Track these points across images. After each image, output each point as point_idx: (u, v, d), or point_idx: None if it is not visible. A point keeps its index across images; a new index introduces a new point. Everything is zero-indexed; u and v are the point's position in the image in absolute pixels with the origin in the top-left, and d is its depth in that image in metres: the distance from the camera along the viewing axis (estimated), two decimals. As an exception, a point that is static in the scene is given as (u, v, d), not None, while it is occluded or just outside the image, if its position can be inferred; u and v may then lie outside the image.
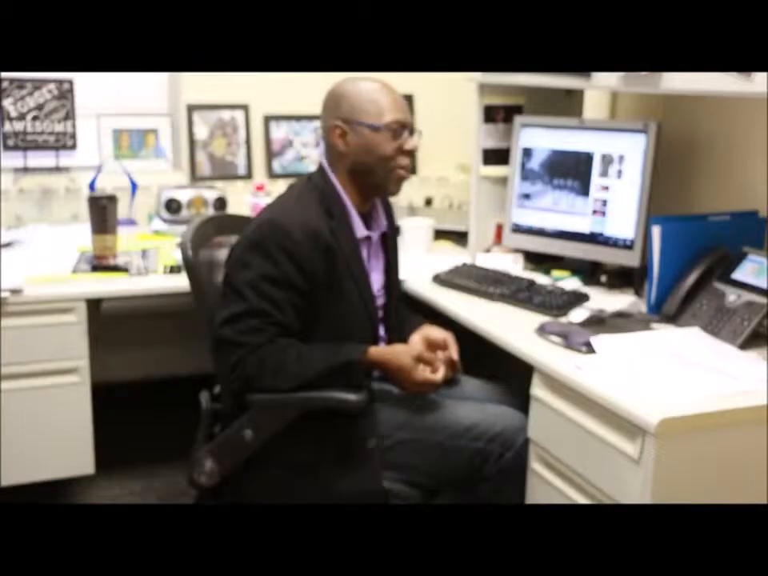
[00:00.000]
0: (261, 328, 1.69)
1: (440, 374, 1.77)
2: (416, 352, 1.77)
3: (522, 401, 1.82)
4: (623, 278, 2.27)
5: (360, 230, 1.84)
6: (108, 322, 2.73)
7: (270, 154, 3.27)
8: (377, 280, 1.92)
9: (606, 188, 2.29)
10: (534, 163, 2.44)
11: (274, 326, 1.70)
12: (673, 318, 1.93)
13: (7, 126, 2.91)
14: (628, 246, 2.24)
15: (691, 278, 1.95)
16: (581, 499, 1.64)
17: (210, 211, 2.93)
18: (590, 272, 2.34)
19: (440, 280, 2.26)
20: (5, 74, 2.88)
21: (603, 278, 2.28)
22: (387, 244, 1.96)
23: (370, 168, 1.82)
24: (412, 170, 3.41)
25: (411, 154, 1.86)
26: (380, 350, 1.77)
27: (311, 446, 1.75)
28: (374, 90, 1.82)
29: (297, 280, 1.71)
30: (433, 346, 1.85)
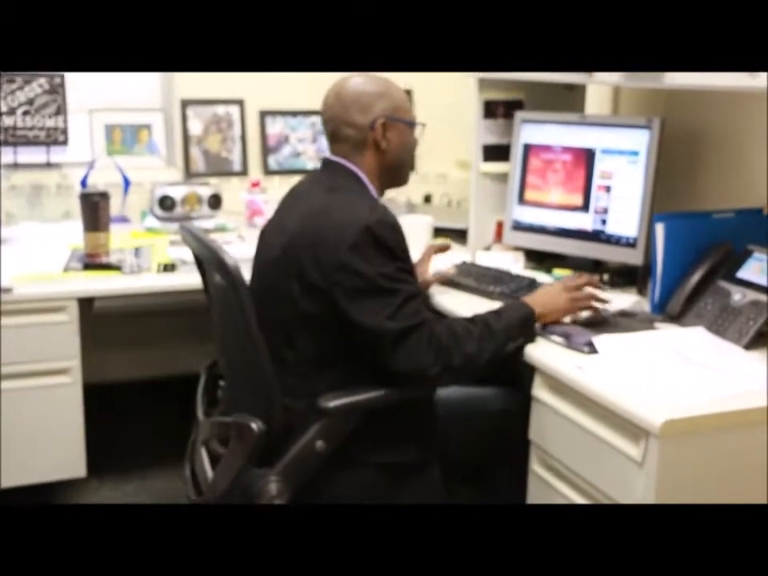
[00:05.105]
0: (421, 307, 1.69)
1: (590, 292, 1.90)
2: (563, 284, 1.87)
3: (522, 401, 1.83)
4: (626, 277, 2.26)
5: None
6: (100, 321, 2.73)
7: (266, 150, 3.26)
8: None
9: (609, 185, 2.29)
10: (535, 160, 2.44)
11: (421, 302, 1.70)
12: (677, 318, 1.93)
13: (-3, 121, 2.91)
14: (631, 244, 2.24)
15: (695, 277, 1.94)
16: (582, 502, 1.64)
17: (205, 208, 2.93)
18: (592, 270, 2.33)
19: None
20: (-5, 69, 2.88)
21: (605, 277, 2.27)
22: None
23: (403, 164, 1.87)
24: (411, 166, 3.45)
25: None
26: (533, 295, 1.86)
27: (386, 445, 1.73)
28: (398, 87, 1.85)
29: (410, 267, 1.73)
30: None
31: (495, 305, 2.06)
